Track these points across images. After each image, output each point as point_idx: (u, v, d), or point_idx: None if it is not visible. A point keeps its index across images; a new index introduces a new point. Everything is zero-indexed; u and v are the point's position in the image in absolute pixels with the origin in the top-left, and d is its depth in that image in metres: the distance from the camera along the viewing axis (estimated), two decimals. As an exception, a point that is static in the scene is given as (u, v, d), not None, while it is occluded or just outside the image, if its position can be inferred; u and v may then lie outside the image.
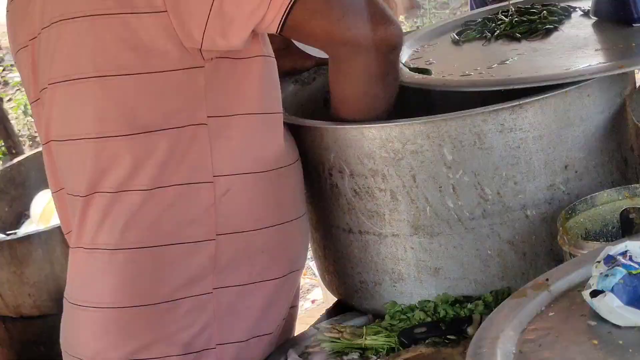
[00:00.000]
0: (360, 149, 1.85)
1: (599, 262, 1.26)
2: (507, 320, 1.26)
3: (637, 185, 1.73)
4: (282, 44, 2.03)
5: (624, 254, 1.25)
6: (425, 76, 2.02)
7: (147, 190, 1.70)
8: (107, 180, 1.71)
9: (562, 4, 2.34)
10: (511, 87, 1.82)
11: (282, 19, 1.63)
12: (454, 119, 1.78)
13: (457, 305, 1.86)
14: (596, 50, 1.98)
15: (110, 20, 1.65)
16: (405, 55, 2.23)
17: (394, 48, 1.75)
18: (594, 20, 2.20)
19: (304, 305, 5.24)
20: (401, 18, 9.10)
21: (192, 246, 1.73)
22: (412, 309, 1.90)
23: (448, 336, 1.81)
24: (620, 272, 1.21)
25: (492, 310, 1.79)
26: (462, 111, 1.78)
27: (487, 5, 4.24)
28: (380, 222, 1.89)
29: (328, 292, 3.54)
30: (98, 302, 1.76)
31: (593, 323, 1.22)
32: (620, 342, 1.16)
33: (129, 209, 1.72)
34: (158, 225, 1.71)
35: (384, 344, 1.83)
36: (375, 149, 1.83)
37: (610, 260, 1.24)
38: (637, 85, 1.99)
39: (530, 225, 1.84)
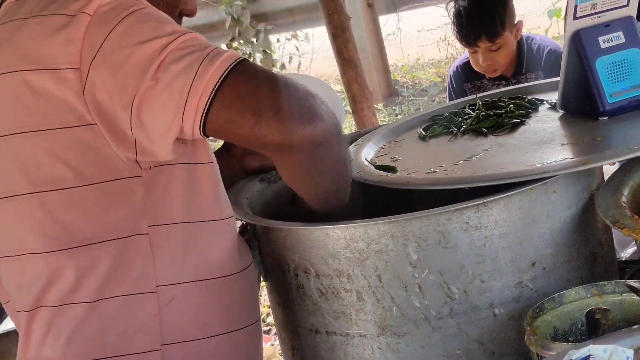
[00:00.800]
0: (325, 249, 1.83)
1: (561, 367, 1.23)
2: None
3: (605, 282, 1.71)
4: None
5: (586, 358, 1.22)
6: (389, 174, 2.01)
7: (90, 303, 1.67)
8: (50, 294, 1.68)
9: (530, 97, 2.35)
10: (474, 184, 1.81)
11: (200, 128, 1.61)
12: (417, 218, 1.76)
13: (427, 407, 1.82)
14: (562, 144, 1.98)
15: (40, 136, 1.63)
16: (371, 152, 2.23)
17: (319, 145, 1.64)
18: (561, 114, 2.20)
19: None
20: (380, 105, 9.18)
21: (137, 357, 1.69)
22: (381, 411, 1.86)
23: None
24: (582, 379, 1.18)
25: (462, 412, 1.77)
26: (426, 210, 1.77)
27: (466, 94, 4.30)
28: (346, 322, 1.86)
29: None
30: None
31: None
32: None
33: (72, 322, 1.69)
34: (102, 337, 1.68)
35: None
36: (340, 249, 1.81)
37: (572, 366, 1.22)
38: (605, 179, 1.99)
39: (498, 324, 1.81)
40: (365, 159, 2.15)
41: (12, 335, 2.90)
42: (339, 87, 11.59)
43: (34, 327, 1.70)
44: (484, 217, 1.76)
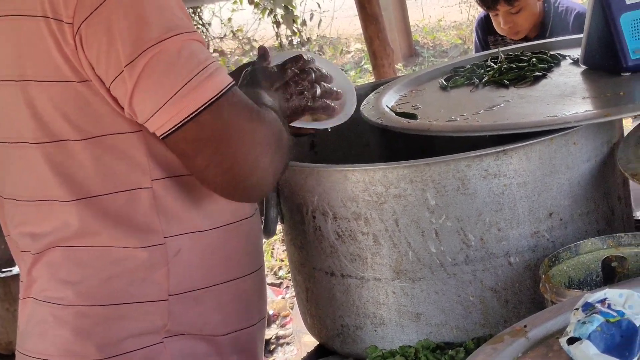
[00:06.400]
0: (344, 192, 1.84)
1: (577, 309, 1.24)
2: (482, 367, 1.24)
3: (622, 234, 1.72)
4: None
5: (602, 301, 1.23)
6: (410, 120, 2.01)
7: (97, 248, 1.69)
8: (57, 239, 1.69)
9: (552, 52, 2.34)
10: (495, 132, 1.81)
11: (159, 135, 1.60)
12: (437, 164, 1.77)
13: (438, 351, 1.84)
14: (583, 98, 1.98)
15: (41, 86, 1.62)
16: (392, 100, 2.23)
17: (256, 198, 1.77)
18: (583, 69, 2.20)
19: (294, 351, 5.20)
20: (400, 65, 9.15)
21: (144, 306, 1.71)
22: (393, 354, 1.87)
23: (428, 382, 1.79)
24: (598, 319, 1.19)
25: (473, 358, 1.79)
26: (446, 156, 1.77)
27: (489, 46, 4.28)
28: (362, 265, 1.87)
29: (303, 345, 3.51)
30: (48, 354, 1.73)
31: (569, 370, 1.20)
32: (596, 390, 1.14)
33: (79, 267, 1.70)
34: (110, 284, 1.69)
35: (364, 389, 1.81)
36: (359, 192, 1.82)
37: (588, 307, 1.23)
38: (625, 134, 1.99)
39: (514, 273, 1.82)
40: (386, 106, 2.15)
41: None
42: (359, 45, 11.57)
43: (39, 266, 1.72)
44: (503, 165, 1.77)
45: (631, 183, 2.01)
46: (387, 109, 2.14)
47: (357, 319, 1.93)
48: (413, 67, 9.58)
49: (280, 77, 1.85)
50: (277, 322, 5.48)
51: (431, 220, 1.80)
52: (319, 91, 1.87)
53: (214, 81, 1.57)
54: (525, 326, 1.33)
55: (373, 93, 2.31)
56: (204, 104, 1.56)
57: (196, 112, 1.55)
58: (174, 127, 1.56)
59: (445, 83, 2.30)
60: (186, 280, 1.74)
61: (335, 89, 1.91)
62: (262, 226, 2.05)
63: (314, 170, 1.88)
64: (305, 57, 1.89)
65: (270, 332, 5.17)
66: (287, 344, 5.32)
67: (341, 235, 1.88)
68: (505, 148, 1.76)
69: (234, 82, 1.61)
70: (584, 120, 1.79)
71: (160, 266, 1.70)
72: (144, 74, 1.54)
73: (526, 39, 4.19)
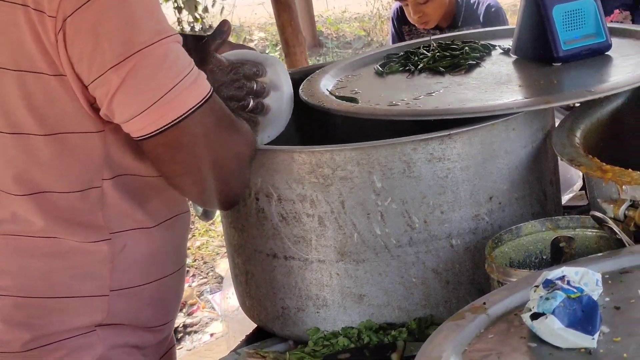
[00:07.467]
0: (289, 174, 1.86)
1: (536, 286, 1.29)
2: (447, 341, 1.27)
3: (560, 217, 1.78)
4: None
5: (561, 278, 1.28)
6: (353, 104, 2.03)
7: (42, 238, 1.67)
8: (4, 227, 1.68)
9: (482, 42, 2.40)
10: (442, 117, 1.85)
11: (135, 137, 1.61)
12: (384, 147, 1.80)
13: (381, 332, 1.87)
14: (520, 86, 2.04)
15: (9, 74, 1.59)
16: (330, 84, 2.25)
17: (228, 207, 1.84)
18: (514, 59, 2.26)
19: (202, 339, 5.20)
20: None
21: (85, 300, 1.71)
22: (335, 335, 1.90)
23: (372, 362, 1.82)
24: (560, 295, 1.23)
25: (415, 338, 1.83)
26: (393, 139, 1.80)
27: (404, 36, 4.35)
28: (306, 247, 1.89)
29: (232, 324, 3.52)
30: None
31: (533, 345, 1.24)
32: (563, 363, 1.18)
33: (22, 256, 1.68)
34: (50, 276, 1.68)
35: (307, 370, 1.83)
36: (305, 174, 1.84)
37: (549, 284, 1.27)
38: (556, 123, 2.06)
39: (454, 254, 1.87)
40: (327, 89, 2.17)
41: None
42: (262, 34, 11.57)
43: None
44: (447, 149, 1.81)
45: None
46: (327, 93, 2.16)
47: (299, 301, 1.95)
48: (317, 58, 9.62)
49: (225, 76, 1.84)
50: (185, 310, 5.47)
51: (377, 203, 1.83)
52: (251, 103, 1.87)
53: (197, 88, 1.58)
54: (484, 303, 1.36)
55: (308, 78, 2.32)
56: (188, 111, 1.56)
57: (179, 119, 1.56)
58: (153, 132, 1.56)
59: (381, 69, 2.33)
60: (128, 276, 1.74)
61: (266, 104, 1.90)
62: (202, 210, 2.05)
63: (258, 151, 1.89)
64: (262, 64, 1.89)
65: (178, 321, 5.16)
66: (195, 332, 5.32)
67: (285, 217, 1.89)
68: (450, 132, 1.80)
69: (213, 89, 1.61)
70: (526, 106, 1.84)
71: (106, 262, 1.70)
72: (130, 76, 1.52)
73: (438, 28, 4.28)
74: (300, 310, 1.95)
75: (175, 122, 1.56)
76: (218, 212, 2.09)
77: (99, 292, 1.72)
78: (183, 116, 1.56)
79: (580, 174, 2.60)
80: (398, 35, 4.44)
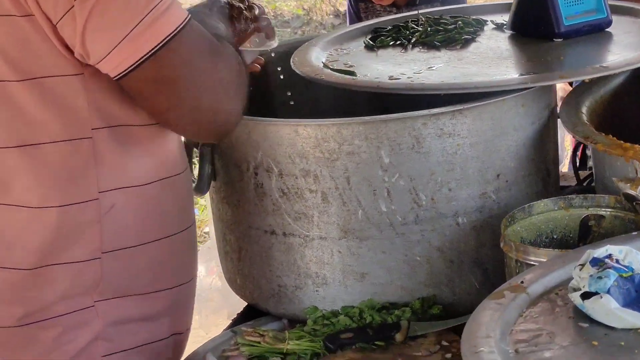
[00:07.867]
0: (293, 148, 1.79)
1: (582, 265, 1.24)
2: (492, 320, 1.22)
3: (573, 196, 1.74)
4: None
5: (609, 257, 1.23)
6: (355, 78, 1.96)
7: (32, 209, 1.59)
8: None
9: (474, 17, 2.35)
10: (454, 91, 1.80)
11: (114, 76, 1.53)
12: (393, 121, 1.74)
13: (384, 311, 1.82)
14: (526, 61, 1.99)
15: None
16: (322, 57, 2.18)
17: (224, 135, 1.77)
18: (509, 34, 2.21)
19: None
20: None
21: (78, 265, 1.62)
22: (335, 314, 1.84)
23: (376, 342, 1.76)
24: (613, 274, 1.19)
25: (419, 317, 1.78)
26: (403, 113, 1.75)
27: (361, 15, 4.28)
28: (307, 224, 1.83)
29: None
30: None
31: (585, 325, 1.19)
32: (622, 343, 1.14)
33: (14, 226, 1.60)
34: (43, 245, 1.59)
35: (308, 349, 1.77)
36: (309, 148, 1.77)
37: (597, 262, 1.23)
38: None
39: (460, 233, 1.82)
40: (322, 62, 2.10)
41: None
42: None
43: None
44: (458, 124, 1.76)
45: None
46: (322, 64, 2.08)
47: (298, 279, 1.88)
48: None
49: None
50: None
51: (384, 179, 1.77)
52: (257, 11, 1.87)
53: (171, 16, 1.50)
54: (522, 282, 1.31)
55: (297, 51, 2.24)
56: (162, 41, 1.49)
57: (154, 49, 1.49)
58: (130, 66, 1.49)
59: (371, 42, 2.26)
60: (119, 237, 1.66)
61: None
62: (195, 184, 1.97)
63: (259, 124, 1.82)
64: None
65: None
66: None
67: (286, 193, 1.82)
68: (461, 107, 1.75)
69: (190, 15, 1.54)
70: (540, 81, 1.80)
71: (94, 222, 1.61)
72: (96, 10, 1.45)
73: (395, 6, 4.22)
74: (298, 289, 1.89)
75: (150, 53, 1.48)
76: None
77: (90, 256, 1.63)
78: (158, 46, 1.49)
79: (566, 154, 2.57)
80: (355, 12, 4.37)
